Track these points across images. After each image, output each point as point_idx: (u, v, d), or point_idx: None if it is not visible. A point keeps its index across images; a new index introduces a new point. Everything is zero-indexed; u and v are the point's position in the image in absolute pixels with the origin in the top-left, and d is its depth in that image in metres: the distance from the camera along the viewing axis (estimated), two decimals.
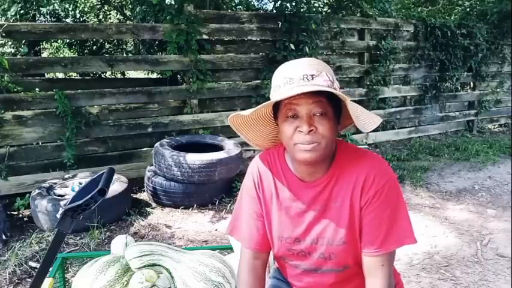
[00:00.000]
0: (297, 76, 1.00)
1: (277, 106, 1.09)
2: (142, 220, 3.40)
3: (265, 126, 1.20)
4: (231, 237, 1.60)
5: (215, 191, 3.74)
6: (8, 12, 4.87)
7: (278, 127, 1.11)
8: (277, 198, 1.16)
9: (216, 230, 3.26)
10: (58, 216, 2.92)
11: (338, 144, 1.14)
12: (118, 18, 7.16)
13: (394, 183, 1.09)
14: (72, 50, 7.68)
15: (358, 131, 5.67)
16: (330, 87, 1.01)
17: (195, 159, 3.48)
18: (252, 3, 5.91)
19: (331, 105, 1.03)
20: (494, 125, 7.71)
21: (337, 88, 1.05)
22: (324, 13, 5.30)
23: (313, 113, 1.02)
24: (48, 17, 6.47)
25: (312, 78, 1.00)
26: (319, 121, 1.02)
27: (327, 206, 1.11)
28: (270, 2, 6.09)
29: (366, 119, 1.06)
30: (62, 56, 7.66)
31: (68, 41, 7.07)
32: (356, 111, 1.03)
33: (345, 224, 1.09)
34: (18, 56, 5.09)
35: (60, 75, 6.77)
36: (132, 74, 8.61)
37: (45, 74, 5.48)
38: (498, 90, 7.29)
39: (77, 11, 6.84)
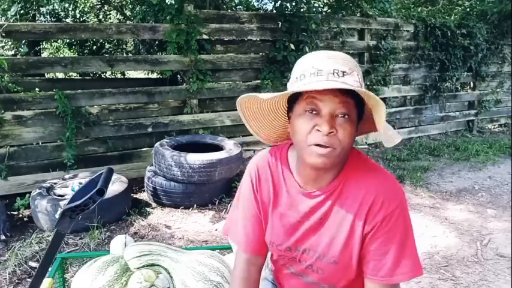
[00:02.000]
0: (326, 69, 0.90)
1: (294, 98, 0.97)
2: (142, 220, 3.40)
3: (275, 120, 1.09)
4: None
5: (215, 191, 3.73)
6: (8, 12, 4.87)
7: (289, 121, 1.01)
8: (274, 202, 1.08)
9: (216, 230, 3.26)
10: (57, 216, 2.92)
11: (350, 153, 1.00)
12: (118, 18, 7.17)
13: (403, 207, 0.99)
14: (72, 50, 7.69)
15: None
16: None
17: (195, 159, 3.48)
18: (252, 3, 5.90)
19: (356, 110, 0.94)
20: (494, 125, 7.70)
21: None
22: (324, 13, 5.30)
23: (337, 113, 0.91)
24: (48, 17, 6.48)
25: (343, 75, 0.90)
26: (341, 124, 0.91)
27: (324, 220, 1.02)
28: (270, 2, 6.08)
29: (390, 132, 0.97)
30: (62, 56, 7.67)
31: (68, 41, 7.08)
32: (384, 122, 0.93)
33: (341, 243, 1.00)
34: (18, 56, 5.09)
35: (60, 75, 6.77)
36: (132, 74, 8.61)
37: (45, 74, 5.48)
38: (498, 90, 7.29)
39: (77, 11, 6.85)
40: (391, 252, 0.96)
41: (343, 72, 0.90)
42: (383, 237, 0.97)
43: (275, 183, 1.08)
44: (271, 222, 1.09)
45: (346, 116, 0.92)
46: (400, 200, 0.98)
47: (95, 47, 7.03)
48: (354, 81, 0.92)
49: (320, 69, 0.90)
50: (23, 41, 5.34)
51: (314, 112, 0.92)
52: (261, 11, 5.48)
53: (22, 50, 5.10)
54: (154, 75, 7.65)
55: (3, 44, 4.86)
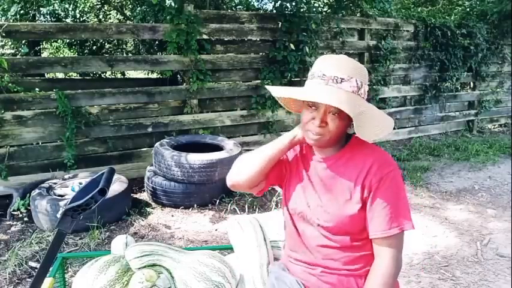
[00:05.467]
0: (329, 74, 1.14)
1: None
2: (142, 220, 3.40)
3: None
4: (230, 237, 1.60)
5: (215, 191, 3.73)
6: (8, 12, 4.87)
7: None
8: (297, 169, 1.34)
9: (216, 230, 3.26)
10: (58, 216, 2.92)
11: (353, 136, 1.28)
12: (118, 18, 7.17)
13: (398, 172, 1.21)
14: (72, 50, 7.69)
15: None
16: (354, 92, 1.14)
17: (195, 159, 3.48)
18: (252, 3, 5.90)
19: None
20: (494, 125, 7.71)
21: (364, 93, 1.18)
22: (324, 13, 5.30)
23: (330, 110, 1.15)
24: (48, 17, 6.48)
25: (340, 82, 1.13)
26: (332, 119, 1.16)
27: (330, 181, 1.25)
28: (270, 2, 6.08)
29: (371, 130, 1.16)
30: (62, 56, 7.67)
31: (68, 41, 7.08)
32: (360, 124, 1.12)
33: (344, 200, 1.21)
34: (18, 56, 5.09)
35: (60, 75, 6.78)
36: (132, 74, 8.61)
37: (45, 74, 5.48)
38: (498, 90, 7.29)
39: (77, 11, 6.85)
40: (387, 209, 1.17)
41: (342, 79, 1.13)
42: (380, 196, 1.17)
43: (299, 156, 1.36)
44: (295, 188, 1.32)
45: (337, 114, 1.15)
46: (393, 166, 1.21)
47: (95, 47, 7.03)
48: (349, 86, 1.14)
49: (324, 74, 1.15)
50: (23, 41, 5.34)
51: (314, 107, 1.18)
52: (261, 11, 5.48)
53: (22, 50, 5.09)
54: (154, 75, 7.65)
55: (3, 44, 4.86)
